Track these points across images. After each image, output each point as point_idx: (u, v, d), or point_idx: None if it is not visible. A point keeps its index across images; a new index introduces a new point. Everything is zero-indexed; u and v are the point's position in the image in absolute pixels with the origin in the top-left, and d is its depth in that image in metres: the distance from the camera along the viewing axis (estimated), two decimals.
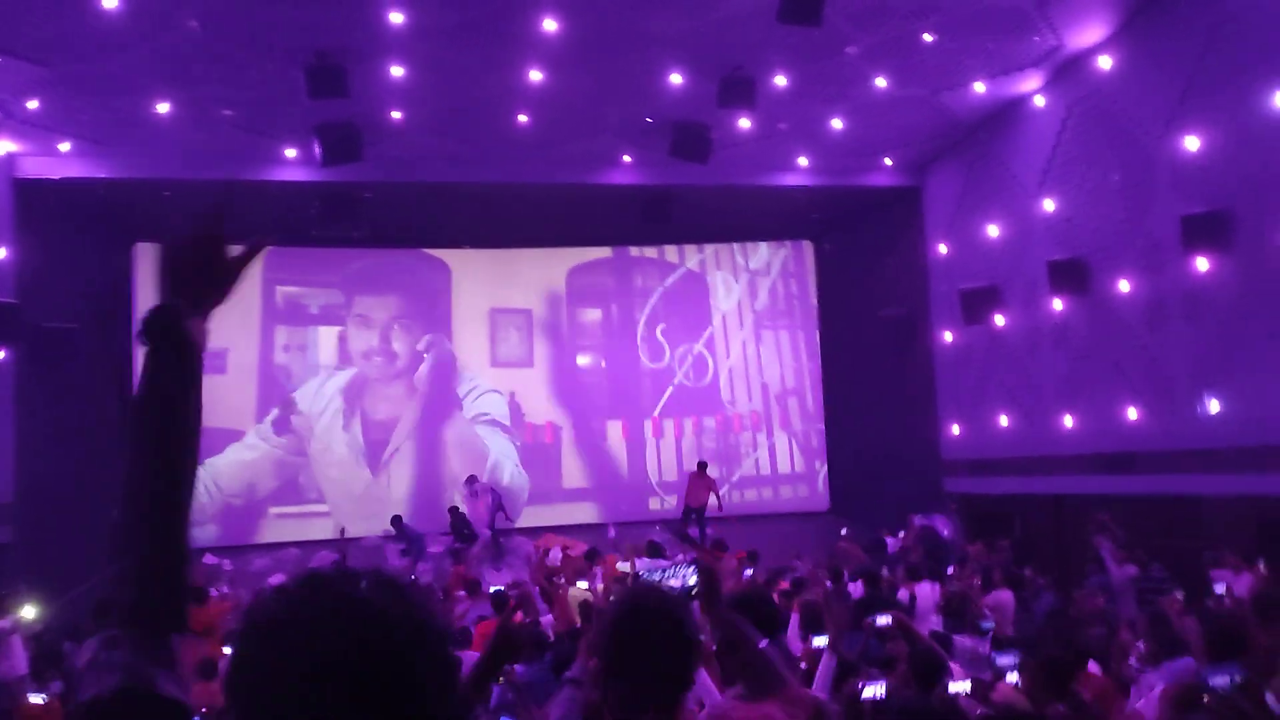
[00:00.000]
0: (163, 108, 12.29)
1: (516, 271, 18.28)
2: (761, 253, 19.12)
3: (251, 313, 16.96)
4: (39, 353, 13.20)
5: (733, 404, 18.72)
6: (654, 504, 17.95)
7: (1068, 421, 13.30)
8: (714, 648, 3.23)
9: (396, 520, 15.12)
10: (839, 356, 18.52)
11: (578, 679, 3.05)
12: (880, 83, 12.99)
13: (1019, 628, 9.03)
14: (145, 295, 15.98)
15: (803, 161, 15.51)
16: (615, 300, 18.82)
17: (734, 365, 18.84)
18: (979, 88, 13.43)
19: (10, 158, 13.13)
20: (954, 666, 5.82)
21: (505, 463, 17.67)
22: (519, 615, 5.24)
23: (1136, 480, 12.06)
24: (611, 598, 7.32)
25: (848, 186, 16.37)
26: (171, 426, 1.38)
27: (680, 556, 12.21)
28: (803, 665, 5.19)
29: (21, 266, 13.04)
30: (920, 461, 16.15)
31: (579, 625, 7.81)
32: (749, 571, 11.03)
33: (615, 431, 18.30)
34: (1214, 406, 11.07)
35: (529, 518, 17.16)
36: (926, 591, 9.86)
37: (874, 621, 6.12)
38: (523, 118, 13.48)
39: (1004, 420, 14.60)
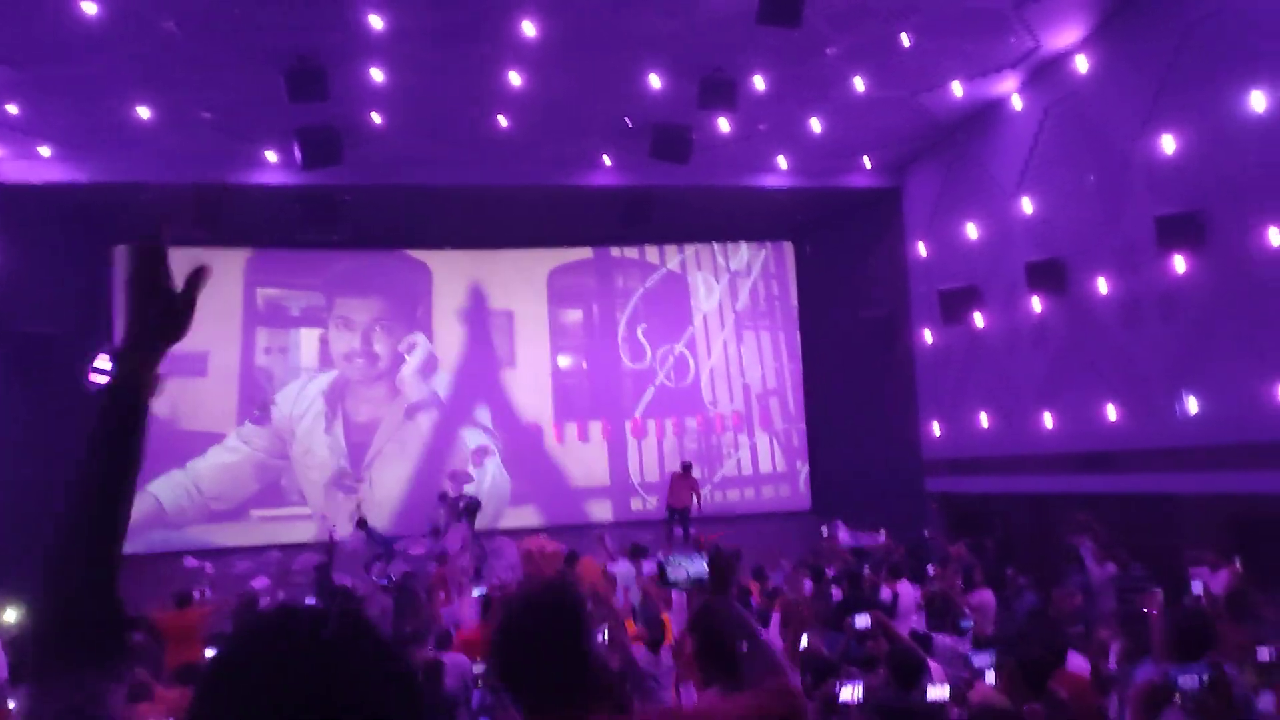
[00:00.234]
0: (142, 111, 12.23)
1: (497, 273, 18.28)
2: (742, 253, 19.17)
3: (232, 315, 16.90)
4: (16, 357, 13.12)
5: (714, 404, 18.77)
6: (636, 504, 17.98)
7: (1047, 421, 13.39)
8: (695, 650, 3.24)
9: (363, 523, 15.01)
10: (820, 357, 18.58)
11: None
12: (859, 84, 13.05)
13: (1000, 627, 9.10)
14: (122, 299, 15.88)
15: (783, 162, 15.56)
16: (596, 301, 18.84)
17: (715, 366, 18.88)
18: (957, 89, 13.51)
19: None
20: (934, 666, 5.87)
21: (488, 464, 17.66)
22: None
23: (1115, 479, 12.16)
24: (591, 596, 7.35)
25: (828, 187, 16.44)
26: (111, 480, 1.39)
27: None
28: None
29: None
30: (901, 461, 16.23)
31: None
32: None
33: (596, 432, 18.32)
34: (1191, 405, 11.17)
35: (511, 519, 17.17)
36: (908, 591, 9.93)
37: (854, 622, 6.17)
38: (503, 120, 13.48)
39: (984, 420, 14.69)
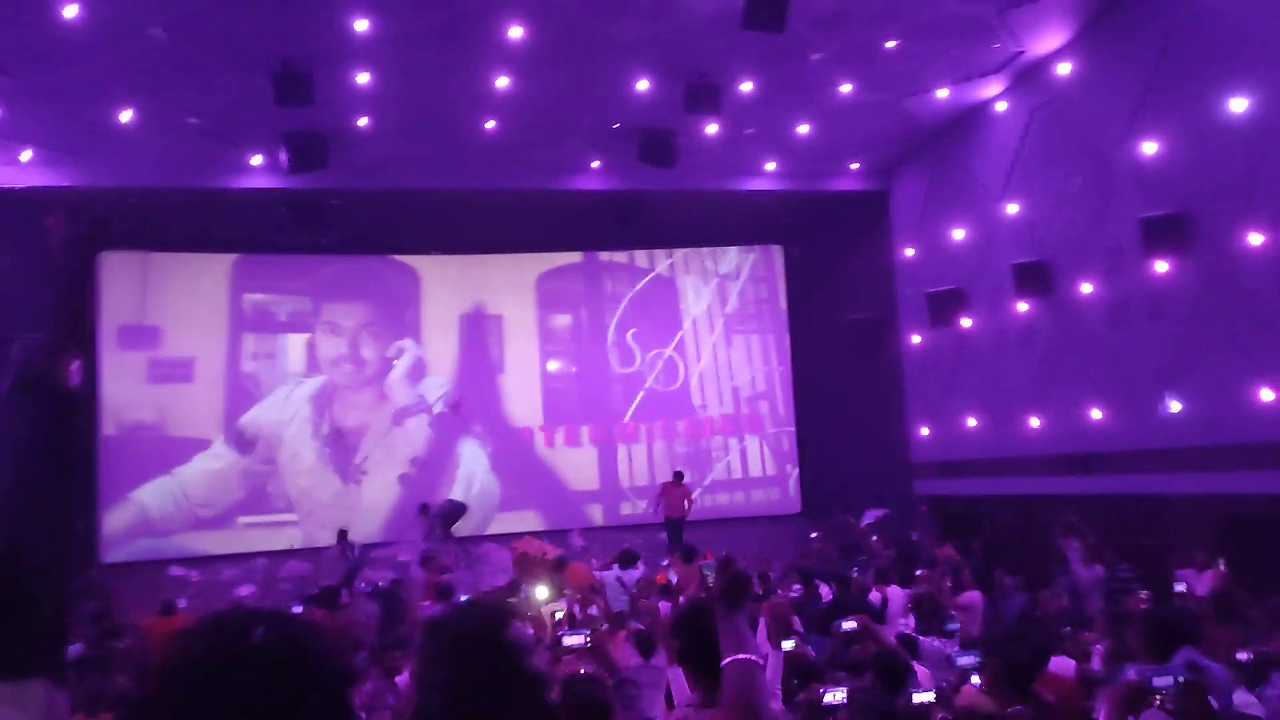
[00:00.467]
0: (127, 116, 12.20)
1: (486, 277, 18.24)
2: (731, 257, 19.17)
3: (219, 321, 16.84)
4: None
5: (703, 408, 18.76)
6: (626, 509, 17.95)
7: (1034, 422, 13.42)
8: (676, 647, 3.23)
9: (342, 535, 14.90)
10: (809, 360, 18.60)
11: None
12: (845, 89, 13.09)
13: (987, 629, 9.11)
14: (109, 304, 15.85)
15: (770, 166, 15.59)
16: (585, 305, 18.81)
17: (704, 369, 18.88)
18: (942, 93, 13.56)
19: None
20: (920, 669, 5.88)
21: (476, 469, 17.63)
22: None
23: (1103, 480, 12.20)
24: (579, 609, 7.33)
25: (815, 191, 16.49)
26: (46, 469, 1.41)
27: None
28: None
29: None
30: (890, 463, 16.25)
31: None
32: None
33: (586, 436, 18.29)
34: (1175, 406, 11.21)
35: (500, 524, 17.12)
36: (897, 594, 9.93)
37: (840, 626, 6.17)
38: (490, 124, 13.49)
39: (972, 422, 14.72)
